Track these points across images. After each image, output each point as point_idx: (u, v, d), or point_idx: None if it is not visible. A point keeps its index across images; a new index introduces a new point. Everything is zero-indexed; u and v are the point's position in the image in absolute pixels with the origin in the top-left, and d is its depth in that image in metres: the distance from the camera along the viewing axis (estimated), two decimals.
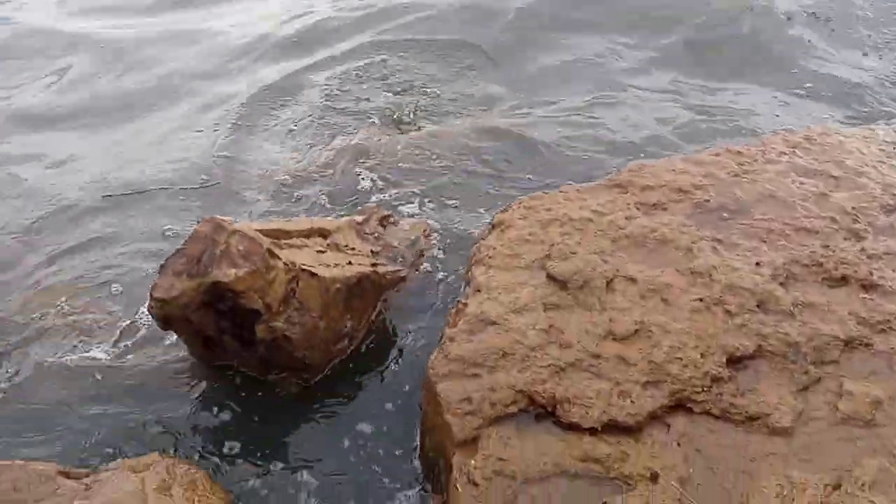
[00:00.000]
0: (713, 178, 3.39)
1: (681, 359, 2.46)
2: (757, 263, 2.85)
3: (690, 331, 2.56)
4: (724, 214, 3.16)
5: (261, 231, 2.92)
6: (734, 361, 2.48)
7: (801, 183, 3.35)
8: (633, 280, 2.78)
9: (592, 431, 2.28)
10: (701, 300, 2.69)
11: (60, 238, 4.00)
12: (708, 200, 3.22)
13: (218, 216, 2.80)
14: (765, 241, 2.99)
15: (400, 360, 3.12)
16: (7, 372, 3.11)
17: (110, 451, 2.75)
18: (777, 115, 4.95)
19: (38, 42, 6.97)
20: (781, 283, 2.77)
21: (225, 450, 2.78)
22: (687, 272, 2.82)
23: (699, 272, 2.81)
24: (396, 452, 2.77)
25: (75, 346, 3.20)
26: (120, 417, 2.90)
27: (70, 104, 5.77)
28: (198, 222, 2.84)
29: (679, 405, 2.36)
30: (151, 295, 2.68)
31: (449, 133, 4.71)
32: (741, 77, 5.43)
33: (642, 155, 4.33)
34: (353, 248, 3.32)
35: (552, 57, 5.78)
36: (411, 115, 5.00)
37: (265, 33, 6.69)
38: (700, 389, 2.37)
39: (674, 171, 3.43)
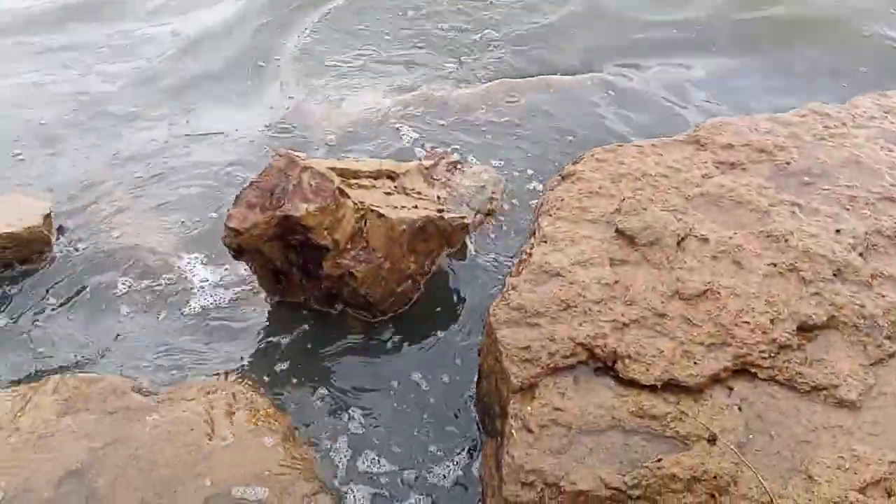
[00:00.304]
0: (797, 139, 3.25)
1: (749, 323, 2.40)
2: (837, 231, 2.75)
3: (761, 295, 2.50)
4: (806, 178, 3.04)
5: (331, 169, 2.95)
6: (805, 330, 2.41)
7: (891, 150, 3.18)
8: (705, 240, 2.71)
9: (651, 389, 2.26)
10: (774, 265, 2.61)
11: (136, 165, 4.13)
12: (790, 163, 3.10)
13: (292, 151, 2.83)
14: (847, 209, 2.87)
15: (461, 306, 3.15)
16: (81, 295, 3.25)
17: (180, 372, 2.88)
18: (863, 70, 4.69)
19: None
20: (861, 254, 2.67)
21: (287, 379, 2.88)
22: (762, 235, 2.73)
23: (775, 236, 2.72)
24: (452, 394, 2.82)
25: (147, 276, 3.32)
26: (189, 342, 3.03)
27: None
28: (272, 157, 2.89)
29: (743, 369, 2.31)
30: (226, 225, 2.75)
31: (518, 83, 4.61)
32: (818, 41, 5.11)
33: (721, 111, 4.18)
34: (419, 192, 3.33)
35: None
36: (476, 63, 4.90)
37: None
38: (766, 355, 2.32)
39: (756, 130, 3.30)
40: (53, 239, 3.44)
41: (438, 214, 3.21)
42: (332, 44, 5.23)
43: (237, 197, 2.83)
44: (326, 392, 2.83)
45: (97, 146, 4.27)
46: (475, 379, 2.77)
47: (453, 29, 5.31)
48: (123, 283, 3.27)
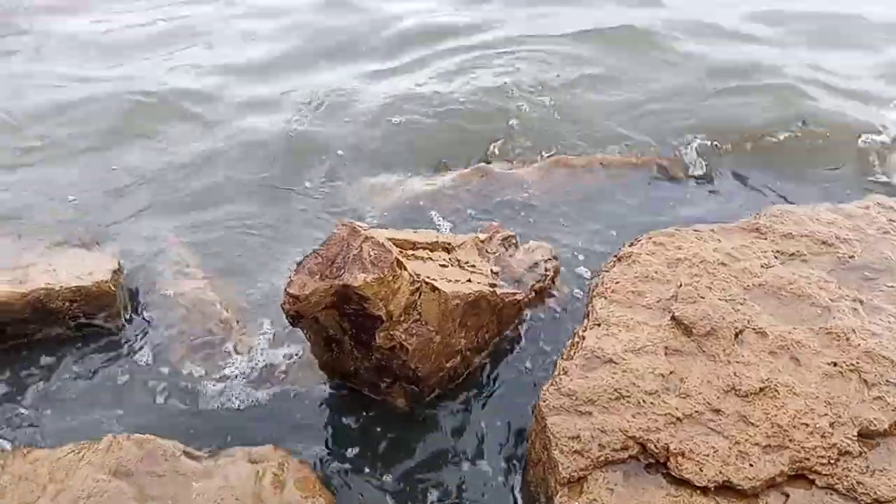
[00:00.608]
0: (860, 232, 3.20)
1: (807, 425, 2.34)
2: None
3: (820, 396, 2.43)
4: (868, 273, 2.98)
5: (391, 239, 3.00)
6: (866, 436, 2.33)
7: None
8: (763, 333, 2.66)
9: (704, 490, 2.20)
10: (835, 364, 2.54)
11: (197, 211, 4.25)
12: (852, 256, 3.05)
13: (355, 221, 2.89)
14: None
15: (511, 386, 3.12)
16: (140, 356, 3.30)
17: (229, 442, 2.89)
18: None
19: None
20: None
21: (333, 455, 2.88)
22: (822, 332, 2.67)
23: (836, 333, 2.66)
24: (498, 480, 2.77)
25: (204, 341, 3.36)
26: (240, 414, 3.05)
27: None
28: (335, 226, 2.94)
29: (800, 475, 2.24)
30: (285, 291, 2.80)
31: (573, 160, 4.64)
32: None
33: (777, 199, 4.15)
34: (473, 266, 3.34)
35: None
36: (533, 139, 4.95)
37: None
38: (826, 461, 2.25)
39: (818, 220, 3.26)
40: (120, 295, 3.51)
41: (491, 289, 3.22)
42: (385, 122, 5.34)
43: (299, 264, 2.89)
44: (371, 473, 2.81)
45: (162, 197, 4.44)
46: (523, 464, 2.73)
47: (512, 101, 5.41)
48: (182, 348, 3.32)
